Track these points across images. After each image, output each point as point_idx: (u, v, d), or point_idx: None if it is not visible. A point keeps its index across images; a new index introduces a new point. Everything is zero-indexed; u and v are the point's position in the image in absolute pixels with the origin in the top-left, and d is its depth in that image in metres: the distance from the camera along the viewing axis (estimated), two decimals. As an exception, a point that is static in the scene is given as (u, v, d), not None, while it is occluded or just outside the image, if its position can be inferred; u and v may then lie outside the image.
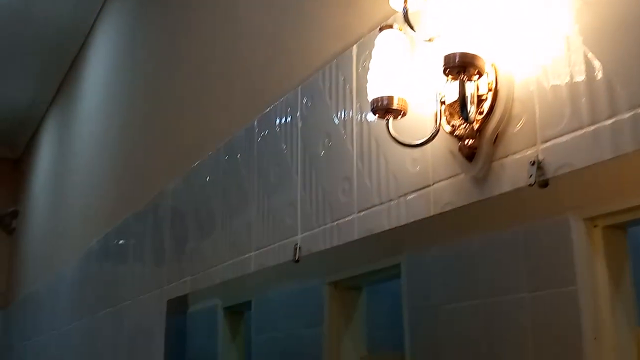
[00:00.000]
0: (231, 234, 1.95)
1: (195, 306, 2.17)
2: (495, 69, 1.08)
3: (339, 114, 1.52)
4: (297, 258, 1.59)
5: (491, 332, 1.05)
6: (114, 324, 2.90)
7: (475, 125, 1.09)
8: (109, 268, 3.16)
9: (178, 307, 2.23)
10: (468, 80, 1.05)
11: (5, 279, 6.23)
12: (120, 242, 3.01)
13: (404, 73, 1.18)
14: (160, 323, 2.36)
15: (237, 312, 1.93)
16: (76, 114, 4.42)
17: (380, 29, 1.22)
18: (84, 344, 3.36)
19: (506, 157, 1.07)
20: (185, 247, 2.27)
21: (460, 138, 1.11)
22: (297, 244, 1.60)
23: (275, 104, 1.80)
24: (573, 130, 0.96)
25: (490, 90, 1.08)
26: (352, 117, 1.47)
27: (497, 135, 1.08)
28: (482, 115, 1.08)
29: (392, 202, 1.30)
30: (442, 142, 1.16)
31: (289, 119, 1.73)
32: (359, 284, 1.47)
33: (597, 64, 0.94)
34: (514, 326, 1.01)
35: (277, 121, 1.78)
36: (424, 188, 1.23)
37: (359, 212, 1.40)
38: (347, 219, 1.44)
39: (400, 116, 1.18)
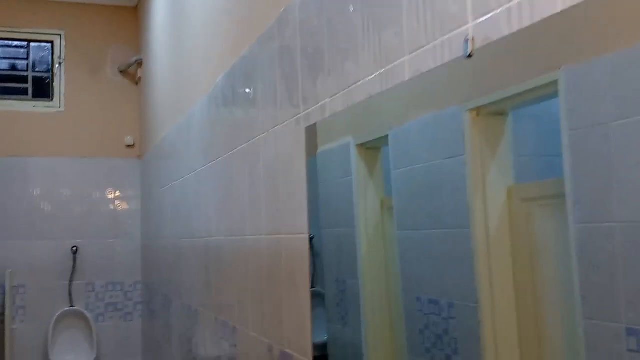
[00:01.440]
0: (376, 40, 1.65)
1: (327, 146, 1.99)
2: None
3: None
4: (470, 52, 1.27)
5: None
6: (250, 159, 2.73)
7: None
8: (239, 101, 2.95)
9: (316, 134, 2.03)
10: None
11: (137, 130, 6.30)
12: (248, 71, 2.78)
13: None
14: (299, 153, 2.14)
15: (372, 148, 1.77)
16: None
17: None
18: (220, 183, 3.25)
19: None
20: (320, 65, 2.00)
21: None
22: (467, 35, 1.28)
23: None
24: None
25: None
26: None
27: None
28: None
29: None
30: None
31: None
32: (504, 109, 1.25)
33: None
34: None
35: None
36: None
37: (563, -27, 1.05)
38: (543, -13, 1.09)
39: None
